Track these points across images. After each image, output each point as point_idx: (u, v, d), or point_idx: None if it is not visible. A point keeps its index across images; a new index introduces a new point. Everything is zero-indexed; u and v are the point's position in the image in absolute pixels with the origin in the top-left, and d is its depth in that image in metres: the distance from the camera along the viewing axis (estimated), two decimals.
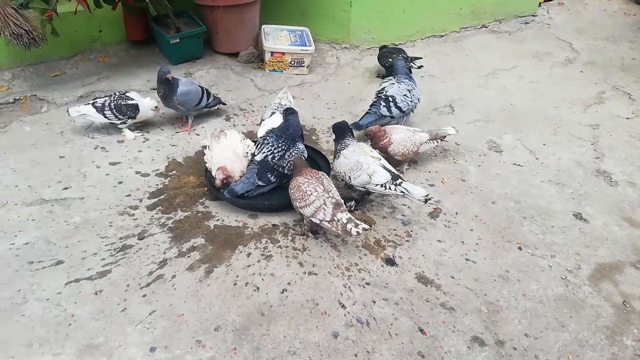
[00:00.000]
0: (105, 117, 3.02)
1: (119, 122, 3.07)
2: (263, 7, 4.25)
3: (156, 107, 3.16)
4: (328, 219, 2.24)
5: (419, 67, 3.91)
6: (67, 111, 3.03)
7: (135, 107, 3.05)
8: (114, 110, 3.01)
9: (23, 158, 2.91)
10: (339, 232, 2.23)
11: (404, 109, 3.14)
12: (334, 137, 2.67)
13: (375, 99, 3.19)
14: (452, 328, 2.02)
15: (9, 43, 3.18)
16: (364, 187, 2.52)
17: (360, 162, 2.49)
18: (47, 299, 2.06)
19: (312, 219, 2.29)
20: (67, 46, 3.89)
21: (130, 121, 3.10)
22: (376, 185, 2.46)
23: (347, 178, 2.54)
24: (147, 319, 2.00)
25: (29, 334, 1.92)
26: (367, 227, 2.22)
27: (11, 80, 3.63)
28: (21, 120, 3.27)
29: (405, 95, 3.13)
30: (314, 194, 2.28)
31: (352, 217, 2.24)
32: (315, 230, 2.43)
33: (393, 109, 3.10)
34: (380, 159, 2.55)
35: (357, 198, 2.63)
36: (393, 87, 3.14)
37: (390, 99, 3.10)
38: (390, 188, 2.44)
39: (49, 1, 3.26)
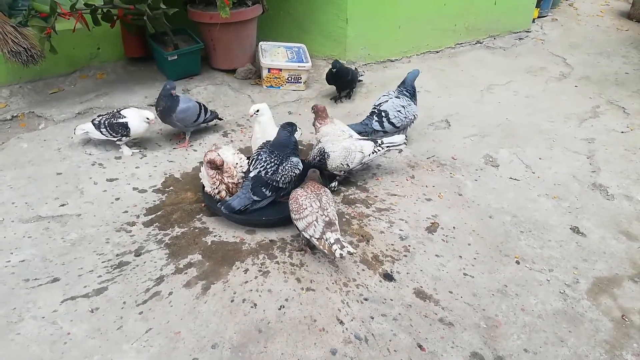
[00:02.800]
0: (102, 134, 3.04)
1: (115, 139, 3.08)
2: (260, 25, 4.30)
3: (148, 118, 3.06)
4: (317, 237, 2.24)
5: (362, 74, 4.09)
6: (75, 129, 3.07)
7: (125, 126, 3.02)
8: (108, 128, 3.02)
9: (20, 175, 2.91)
10: (325, 251, 2.22)
11: (397, 125, 3.17)
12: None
13: (369, 113, 3.26)
14: (451, 344, 2.01)
15: (7, 60, 3.20)
16: (361, 164, 2.80)
17: (347, 147, 2.75)
18: (42, 317, 2.04)
19: (303, 232, 2.30)
20: (66, 63, 3.92)
21: (125, 139, 3.09)
22: (369, 155, 2.79)
23: (346, 166, 2.75)
24: (143, 337, 1.98)
25: (23, 352, 1.90)
26: (353, 251, 2.20)
27: (9, 97, 3.64)
28: (18, 137, 3.28)
29: (399, 110, 3.17)
30: (308, 208, 2.28)
31: (341, 239, 2.22)
32: (313, 245, 2.42)
33: (385, 124, 3.15)
34: (351, 135, 2.87)
35: (340, 179, 2.87)
36: (388, 102, 3.19)
37: (383, 113, 3.16)
38: (378, 151, 2.81)
39: (48, 19, 3.30)
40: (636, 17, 6.02)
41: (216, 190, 2.60)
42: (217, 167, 2.55)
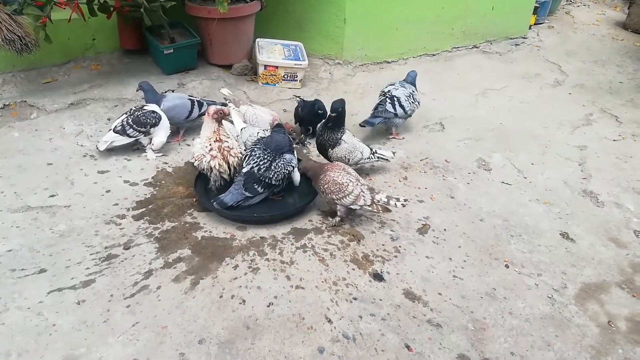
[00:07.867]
0: (130, 136, 2.93)
1: (143, 135, 2.96)
2: (258, 21, 4.29)
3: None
4: (369, 203, 2.45)
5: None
6: (97, 146, 2.99)
7: (153, 113, 2.95)
8: (134, 125, 2.91)
9: (10, 164, 2.88)
10: (378, 210, 2.46)
11: (407, 109, 3.35)
12: (334, 116, 2.84)
13: (380, 99, 3.39)
14: (439, 345, 2.01)
15: (0, 48, 3.16)
16: (357, 164, 2.95)
17: (355, 144, 2.91)
18: (28, 308, 2.02)
19: (352, 206, 2.46)
20: (60, 53, 3.88)
21: (153, 129, 2.97)
22: (365, 159, 2.94)
23: (346, 160, 2.87)
24: (130, 330, 1.96)
25: (8, 343, 1.88)
26: (404, 201, 2.46)
27: (1, 86, 3.60)
28: (10, 125, 3.25)
29: (408, 96, 3.36)
30: (350, 184, 2.45)
31: (390, 195, 2.48)
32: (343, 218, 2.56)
33: (397, 107, 3.31)
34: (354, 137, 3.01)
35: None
36: (398, 89, 3.38)
37: (395, 98, 3.32)
38: (372, 158, 2.97)
39: (43, 8, 3.26)
40: (632, 27, 6.07)
41: (207, 149, 2.58)
42: (223, 117, 2.65)
